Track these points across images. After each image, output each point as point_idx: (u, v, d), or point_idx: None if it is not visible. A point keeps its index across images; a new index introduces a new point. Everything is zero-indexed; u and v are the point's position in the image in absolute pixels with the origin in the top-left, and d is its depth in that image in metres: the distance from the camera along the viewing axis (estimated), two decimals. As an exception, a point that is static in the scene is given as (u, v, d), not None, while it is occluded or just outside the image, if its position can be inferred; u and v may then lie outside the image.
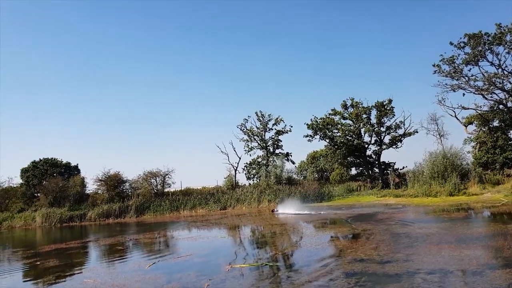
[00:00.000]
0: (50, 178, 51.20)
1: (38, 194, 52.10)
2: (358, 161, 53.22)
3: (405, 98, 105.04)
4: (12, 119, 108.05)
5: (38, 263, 17.62)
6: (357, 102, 50.76)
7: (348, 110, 51.39)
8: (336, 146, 50.92)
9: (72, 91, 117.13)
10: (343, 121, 51.51)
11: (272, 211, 38.66)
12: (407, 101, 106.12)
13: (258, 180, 53.68)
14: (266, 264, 13.13)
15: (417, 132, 48.39)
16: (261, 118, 56.26)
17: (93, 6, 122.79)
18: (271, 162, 54.35)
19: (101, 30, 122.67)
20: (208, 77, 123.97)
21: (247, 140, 56.66)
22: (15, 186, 54.28)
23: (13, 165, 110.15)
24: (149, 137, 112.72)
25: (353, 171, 55.23)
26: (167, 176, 51.65)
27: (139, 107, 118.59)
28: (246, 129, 56.65)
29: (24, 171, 54.85)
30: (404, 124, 48.72)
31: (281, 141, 56.57)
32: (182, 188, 53.81)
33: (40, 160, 55.49)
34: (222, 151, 54.57)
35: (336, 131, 51.30)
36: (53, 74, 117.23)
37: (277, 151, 56.38)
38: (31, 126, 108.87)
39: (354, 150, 50.62)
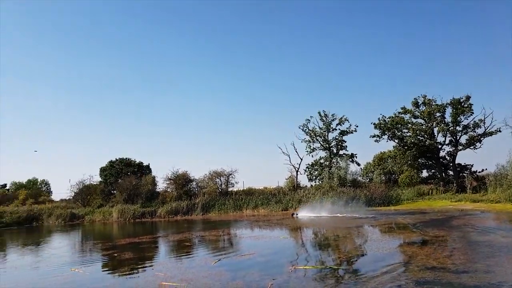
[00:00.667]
0: (125, 176, 54.98)
1: (115, 191, 56.09)
2: (430, 163, 50.29)
3: (487, 96, 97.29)
4: (92, 122, 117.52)
5: (116, 255, 19.02)
6: (429, 99, 47.72)
7: (420, 108, 48.61)
8: (405, 147, 48.62)
9: (144, 93, 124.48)
10: (414, 120, 48.92)
11: (292, 215, 38.72)
12: (489, 99, 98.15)
13: (320, 182, 52.99)
14: (330, 267, 12.99)
15: (499, 131, 43.98)
16: (324, 118, 55.14)
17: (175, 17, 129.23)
18: (335, 163, 53.38)
19: (174, 35, 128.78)
20: (271, 77, 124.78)
21: (309, 141, 56.00)
22: (95, 183, 59.06)
23: (93, 165, 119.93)
24: (214, 137, 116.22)
25: (424, 173, 52.41)
26: (230, 176, 53.02)
27: (205, 109, 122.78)
28: (308, 129, 55.94)
29: (102, 170, 59.52)
30: (484, 123, 44.88)
31: (345, 141, 55.18)
32: (245, 188, 54.91)
33: (116, 160, 59.78)
34: (283, 152, 54.62)
35: (406, 130, 48.93)
36: (129, 78, 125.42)
37: (341, 152, 55.13)
38: (109, 127, 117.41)
39: (425, 151, 47.85)
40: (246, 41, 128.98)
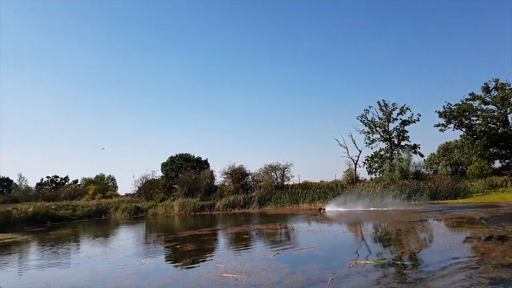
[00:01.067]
0: (184, 171, 56.92)
1: (175, 186, 58.26)
2: (503, 152, 46.62)
3: None
4: (153, 119, 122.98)
5: (178, 246, 19.70)
6: (502, 83, 44.19)
7: (491, 93, 45.19)
8: (475, 136, 45.48)
9: (202, 92, 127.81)
10: (484, 107, 45.64)
11: (320, 209, 37.86)
12: None
13: (381, 175, 51.12)
14: (394, 262, 12.46)
15: None
16: (384, 108, 52.89)
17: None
18: (396, 155, 51.23)
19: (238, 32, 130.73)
20: (330, 69, 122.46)
21: (368, 132, 54.10)
22: (157, 178, 61.81)
23: (155, 160, 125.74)
24: (269, 131, 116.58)
25: (497, 164, 48.65)
26: (286, 170, 52.86)
27: (261, 104, 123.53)
28: (367, 120, 54.04)
29: (163, 165, 62.16)
30: None
31: (407, 132, 52.59)
32: (301, 182, 54.48)
33: (176, 155, 62.08)
34: (340, 144, 53.15)
35: (475, 118, 45.77)
36: (189, 77, 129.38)
37: (402, 143, 52.68)
38: (169, 125, 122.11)
39: (498, 139, 44.42)
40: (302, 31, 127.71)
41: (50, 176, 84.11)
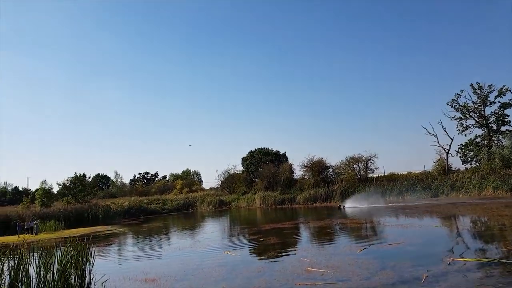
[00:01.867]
0: (264, 165, 57.58)
1: (256, 179, 59.25)
2: None
3: None
4: (234, 115, 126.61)
5: (262, 239, 19.95)
6: None
7: None
8: None
9: (279, 86, 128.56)
10: None
11: (339, 207, 36.48)
12: None
13: (478, 164, 46.63)
14: (499, 261, 11.20)
15: None
16: (478, 91, 47.92)
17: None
18: (495, 142, 46.35)
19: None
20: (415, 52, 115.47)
21: (461, 118, 49.43)
22: (238, 172, 63.49)
23: (236, 155, 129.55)
24: (349, 122, 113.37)
25: None
26: (369, 161, 50.72)
27: (341, 95, 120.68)
28: (459, 105, 49.39)
29: (244, 160, 63.65)
30: None
31: (507, 116, 46.85)
32: (386, 174, 51.97)
33: (256, 149, 63.13)
34: (429, 133, 49.22)
35: None
36: (265, 72, 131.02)
37: (502, 128, 47.29)
38: (248, 120, 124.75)
39: None
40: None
41: (142, 172, 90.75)
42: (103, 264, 15.05)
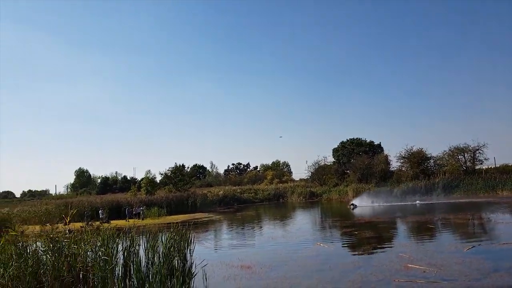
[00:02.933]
0: (356, 156, 55.78)
1: (348, 171, 57.73)
2: None
3: None
4: (323, 106, 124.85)
5: (356, 232, 19.34)
6: None
7: None
8: None
9: (373, 74, 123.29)
10: None
11: (350, 206, 33.91)
12: None
13: None
14: None
15: None
16: None
17: None
18: None
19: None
20: None
21: None
22: (329, 164, 62.46)
23: (326, 146, 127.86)
24: (452, 108, 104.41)
25: None
26: (477, 152, 46.08)
27: (443, 82, 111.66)
28: None
29: (335, 151, 62.36)
30: None
31: None
32: (498, 165, 46.84)
33: (347, 140, 61.41)
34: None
35: None
36: (360, 59, 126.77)
37: None
38: (338, 110, 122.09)
39: None
40: None
41: (235, 163, 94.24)
42: (201, 250, 15.91)
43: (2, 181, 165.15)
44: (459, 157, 47.19)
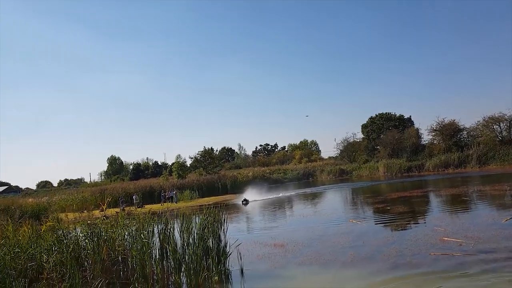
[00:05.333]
0: (386, 131, 54.68)
1: (378, 147, 56.79)
2: None
3: None
4: (351, 80, 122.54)
5: (388, 208, 19.12)
6: None
7: None
8: None
9: (400, 46, 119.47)
10: None
11: (242, 202, 29.89)
12: None
13: None
14: None
15: None
16: None
17: None
18: None
19: None
20: None
21: None
22: (358, 140, 61.62)
23: (354, 122, 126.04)
24: (487, 74, 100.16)
25: None
26: (514, 121, 44.20)
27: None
28: None
29: (364, 127, 61.31)
30: None
31: None
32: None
33: (376, 115, 60.15)
34: None
35: None
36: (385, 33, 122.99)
37: None
38: (366, 83, 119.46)
39: None
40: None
41: (262, 144, 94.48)
42: (234, 230, 16.16)
43: (40, 172, 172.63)
44: (494, 127, 45.42)
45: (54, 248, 8.82)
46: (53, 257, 8.41)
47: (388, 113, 59.40)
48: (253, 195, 32.56)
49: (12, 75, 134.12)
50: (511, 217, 13.21)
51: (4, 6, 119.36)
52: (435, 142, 50.43)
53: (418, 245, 10.70)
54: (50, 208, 30.27)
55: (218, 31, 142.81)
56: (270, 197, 32.75)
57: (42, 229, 9.63)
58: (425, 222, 14.64)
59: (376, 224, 15.77)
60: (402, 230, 13.51)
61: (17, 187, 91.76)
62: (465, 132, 48.43)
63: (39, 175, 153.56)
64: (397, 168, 46.99)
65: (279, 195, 33.65)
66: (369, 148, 58.19)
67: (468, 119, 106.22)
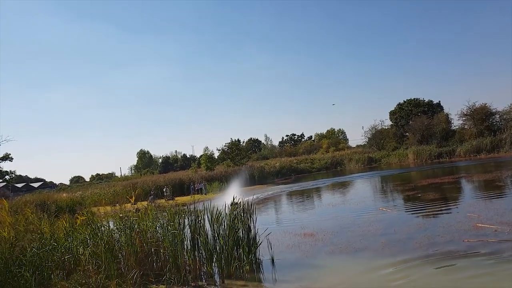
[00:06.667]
0: (415, 117, 53.45)
1: (407, 134, 55.65)
2: None
3: None
4: (378, 68, 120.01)
5: (419, 195, 18.79)
6: None
7: None
8: None
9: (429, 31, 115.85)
10: None
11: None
12: None
13: None
14: None
15: None
16: None
17: None
18: None
19: None
20: None
21: None
22: (386, 127, 60.52)
23: (382, 109, 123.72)
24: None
25: None
26: (550, 102, 42.38)
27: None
28: None
29: (392, 114, 60.14)
30: None
31: None
32: None
33: (404, 101, 58.86)
34: None
35: None
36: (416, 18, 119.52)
37: None
38: (393, 70, 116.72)
39: None
40: None
41: (289, 134, 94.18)
42: (264, 220, 16.26)
43: (73, 167, 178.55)
44: (528, 109, 43.70)
45: (89, 241, 9.17)
46: (88, 249, 8.75)
47: (417, 99, 58.00)
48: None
49: (40, 74, 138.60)
50: (549, 202, 12.76)
51: (30, 7, 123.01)
52: (466, 127, 49.00)
53: (451, 232, 10.49)
54: (84, 202, 31.26)
55: (241, 21, 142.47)
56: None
57: (77, 223, 9.97)
58: (457, 209, 14.31)
59: (407, 212, 15.53)
60: (434, 217, 13.27)
61: (51, 182, 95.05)
62: (498, 116, 46.77)
63: (72, 170, 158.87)
64: (427, 154, 45.93)
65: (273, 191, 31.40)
66: (397, 135, 57.11)
67: (500, 102, 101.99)
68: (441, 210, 14.39)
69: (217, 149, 58.24)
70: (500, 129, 44.14)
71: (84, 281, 8.05)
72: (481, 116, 46.29)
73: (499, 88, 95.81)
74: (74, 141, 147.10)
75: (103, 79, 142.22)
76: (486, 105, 46.80)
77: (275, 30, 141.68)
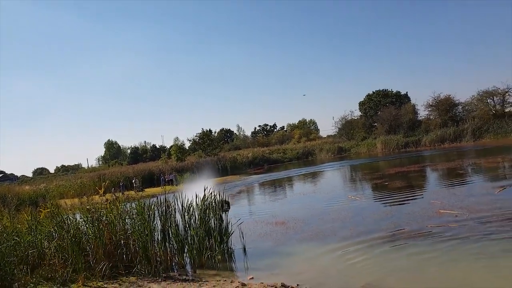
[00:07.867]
0: (383, 108, 54.74)
1: (375, 124, 56.97)
2: None
3: None
4: (347, 59, 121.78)
5: (386, 183, 19.39)
6: None
7: None
8: None
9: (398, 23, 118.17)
10: None
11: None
12: None
13: None
14: None
15: None
16: None
17: None
18: None
19: None
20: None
21: None
22: (356, 118, 61.74)
23: (352, 100, 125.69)
24: (481, 51, 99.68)
25: None
26: (507, 94, 44.45)
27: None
28: None
29: (361, 104, 61.38)
30: None
31: None
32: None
33: (373, 92, 60.14)
34: None
35: None
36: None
37: None
38: (362, 61, 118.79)
39: None
40: None
41: (261, 124, 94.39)
42: (236, 210, 16.34)
43: (37, 159, 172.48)
44: (488, 101, 45.76)
45: (55, 234, 8.87)
46: (53, 243, 8.48)
47: (385, 90, 59.37)
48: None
49: (7, 62, 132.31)
50: (504, 188, 13.50)
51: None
52: (431, 118, 50.75)
53: (415, 218, 10.93)
54: (48, 195, 30.33)
55: (213, 14, 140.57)
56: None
57: (41, 216, 9.66)
58: (422, 196, 14.90)
59: (374, 200, 16.01)
60: (400, 204, 13.75)
61: (12, 174, 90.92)
62: (460, 107, 48.71)
63: (35, 162, 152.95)
64: (395, 144, 47.26)
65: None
66: (366, 125, 58.36)
67: (463, 93, 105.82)
68: (407, 197, 14.91)
69: (188, 140, 57.74)
70: (463, 120, 45.98)
71: (50, 276, 7.87)
72: (445, 107, 48.00)
73: (461, 80, 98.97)
74: (37, 131, 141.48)
75: (68, 67, 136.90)
76: (450, 96, 48.63)
77: (245, 22, 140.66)
